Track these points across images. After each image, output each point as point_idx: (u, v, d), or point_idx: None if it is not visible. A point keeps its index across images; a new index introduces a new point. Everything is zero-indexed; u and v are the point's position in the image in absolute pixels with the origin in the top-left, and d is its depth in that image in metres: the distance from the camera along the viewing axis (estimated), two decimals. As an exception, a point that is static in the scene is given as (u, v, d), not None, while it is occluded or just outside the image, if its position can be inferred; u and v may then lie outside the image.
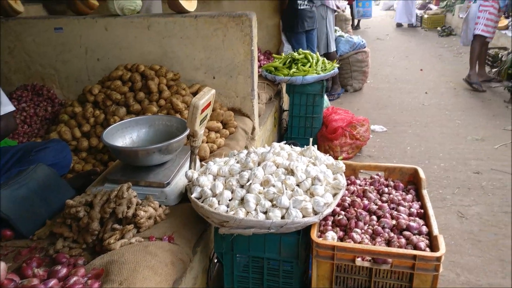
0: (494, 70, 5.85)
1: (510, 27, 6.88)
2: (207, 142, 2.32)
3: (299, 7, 4.27)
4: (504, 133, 3.98)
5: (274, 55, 3.91)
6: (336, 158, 3.45)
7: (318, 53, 4.00)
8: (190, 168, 1.81)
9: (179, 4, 2.50)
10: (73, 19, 2.78)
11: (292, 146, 1.93)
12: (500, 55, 5.98)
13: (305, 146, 1.84)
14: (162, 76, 2.58)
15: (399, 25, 11.32)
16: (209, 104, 1.69)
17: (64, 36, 2.82)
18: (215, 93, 2.68)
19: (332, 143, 3.48)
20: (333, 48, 5.09)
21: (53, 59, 2.92)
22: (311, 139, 1.85)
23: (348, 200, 1.70)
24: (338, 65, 3.69)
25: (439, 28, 10.02)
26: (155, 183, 1.78)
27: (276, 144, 1.87)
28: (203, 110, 1.63)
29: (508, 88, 4.99)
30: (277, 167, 1.69)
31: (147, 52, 2.70)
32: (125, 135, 1.98)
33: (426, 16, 10.81)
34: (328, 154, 1.84)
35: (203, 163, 2.06)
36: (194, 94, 2.63)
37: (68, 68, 2.92)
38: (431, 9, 11.39)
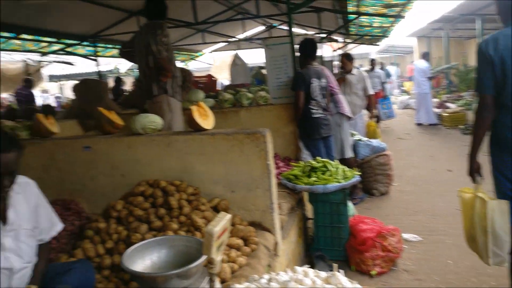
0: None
1: None
2: (228, 262, 2.21)
3: (313, 116, 4.38)
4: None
5: (292, 162, 3.92)
6: (368, 272, 3.21)
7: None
8: (208, 296, 1.70)
9: (197, 124, 2.68)
10: (100, 138, 2.98)
11: (314, 269, 1.81)
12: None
13: (329, 272, 1.72)
14: (182, 192, 2.60)
15: (419, 124, 11.34)
16: (225, 230, 1.64)
17: (92, 154, 2.96)
18: (235, 207, 2.68)
19: (363, 255, 3.25)
20: (348, 154, 5.10)
21: (81, 175, 3.03)
22: (335, 265, 1.72)
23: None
24: (359, 173, 3.64)
25: (461, 126, 9.95)
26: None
27: (299, 269, 1.77)
28: (219, 237, 1.57)
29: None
30: (300, 296, 1.57)
31: (168, 168, 2.77)
32: (145, 257, 1.93)
33: (445, 114, 10.80)
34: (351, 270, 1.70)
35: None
36: (214, 208, 2.61)
37: (95, 184, 3.01)
38: (449, 107, 11.39)
